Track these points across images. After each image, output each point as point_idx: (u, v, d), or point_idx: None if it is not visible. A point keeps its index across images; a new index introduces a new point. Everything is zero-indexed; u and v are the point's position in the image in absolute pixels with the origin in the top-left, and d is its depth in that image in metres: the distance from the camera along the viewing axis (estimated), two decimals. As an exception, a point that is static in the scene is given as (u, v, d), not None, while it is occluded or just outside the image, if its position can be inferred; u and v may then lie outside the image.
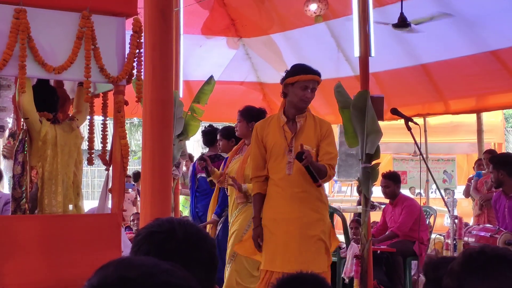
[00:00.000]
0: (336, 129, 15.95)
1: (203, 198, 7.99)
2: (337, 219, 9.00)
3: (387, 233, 8.04)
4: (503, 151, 16.56)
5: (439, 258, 2.81)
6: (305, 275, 2.94)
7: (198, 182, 8.14)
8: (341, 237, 8.67)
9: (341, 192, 17.24)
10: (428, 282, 2.81)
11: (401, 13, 8.85)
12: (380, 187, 8.47)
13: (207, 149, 8.86)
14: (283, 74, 5.27)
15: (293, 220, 5.16)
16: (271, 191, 5.23)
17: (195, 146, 21.89)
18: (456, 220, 7.01)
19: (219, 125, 8.78)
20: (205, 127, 8.38)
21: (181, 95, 9.08)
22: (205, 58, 11.64)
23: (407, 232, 7.81)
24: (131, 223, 10.42)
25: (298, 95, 5.18)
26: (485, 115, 12.54)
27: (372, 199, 12.12)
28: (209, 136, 8.25)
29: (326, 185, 21.63)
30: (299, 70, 5.25)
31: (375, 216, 9.50)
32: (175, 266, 1.34)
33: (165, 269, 1.30)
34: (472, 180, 9.90)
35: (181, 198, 10.32)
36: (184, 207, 11.15)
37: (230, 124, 8.46)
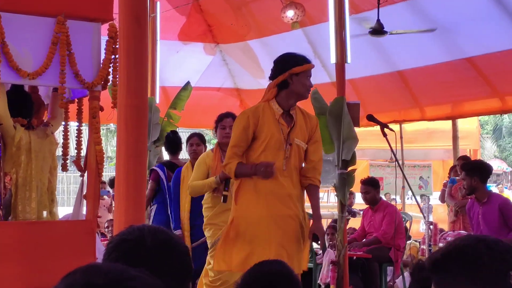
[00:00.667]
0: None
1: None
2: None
3: (371, 238, 8.04)
4: (479, 157, 16.71)
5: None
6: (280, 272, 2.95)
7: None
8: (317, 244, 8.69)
9: (318, 198, 17.28)
10: (414, 282, 2.83)
11: (378, 20, 8.90)
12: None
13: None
14: (268, 71, 5.07)
15: (293, 217, 4.97)
16: (261, 186, 4.92)
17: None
18: (431, 226, 7.05)
19: (189, 132, 8.71)
20: (167, 134, 8.18)
21: (157, 101, 9.05)
22: (182, 64, 11.61)
23: (389, 239, 7.82)
24: (106, 229, 10.36)
25: (305, 84, 5.02)
26: (460, 122, 12.63)
27: (355, 206, 12.20)
28: (174, 143, 8.12)
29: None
30: (302, 59, 5.06)
31: (356, 223, 9.53)
32: (143, 273, 1.33)
33: (132, 275, 1.29)
34: (446, 186, 9.96)
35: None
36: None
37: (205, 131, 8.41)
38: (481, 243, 1.99)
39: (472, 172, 7.02)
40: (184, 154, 10.63)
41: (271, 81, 5.09)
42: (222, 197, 6.19)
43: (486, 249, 1.97)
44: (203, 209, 6.50)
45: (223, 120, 6.54)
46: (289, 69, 4.97)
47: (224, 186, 6.18)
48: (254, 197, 4.95)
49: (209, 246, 6.44)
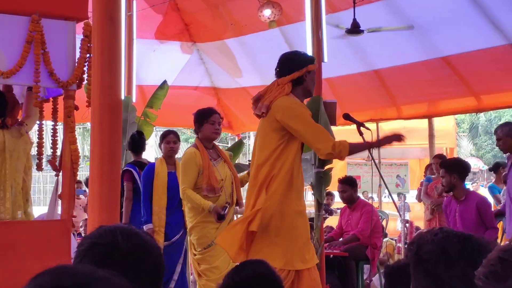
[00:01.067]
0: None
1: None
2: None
3: (349, 236, 8.06)
4: (455, 156, 16.81)
5: (399, 262, 2.86)
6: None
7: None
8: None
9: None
10: (388, 283, 2.84)
11: (354, 19, 8.93)
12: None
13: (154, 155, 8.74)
14: (294, 62, 4.98)
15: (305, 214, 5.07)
16: (298, 179, 4.93)
17: (148, 151, 21.78)
18: (407, 225, 7.10)
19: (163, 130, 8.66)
20: (133, 134, 8.07)
21: (134, 100, 9.02)
22: (158, 63, 11.58)
23: (367, 236, 7.84)
24: (82, 229, 10.31)
25: (315, 82, 5.14)
26: (437, 120, 12.71)
27: (334, 205, 12.22)
28: (139, 143, 7.94)
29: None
30: (313, 58, 5.21)
31: (334, 221, 9.55)
32: (112, 274, 1.32)
33: (100, 277, 1.28)
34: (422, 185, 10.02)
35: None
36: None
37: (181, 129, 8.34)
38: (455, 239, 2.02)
39: (451, 169, 7.07)
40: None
41: (278, 77, 5.04)
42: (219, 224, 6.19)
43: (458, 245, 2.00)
44: (189, 209, 6.39)
45: (212, 116, 6.44)
46: (306, 66, 5.00)
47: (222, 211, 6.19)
48: (289, 190, 4.88)
49: (200, 246, 6.32)
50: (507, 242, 1.34)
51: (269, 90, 5.06)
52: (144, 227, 7.05)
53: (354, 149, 4.86)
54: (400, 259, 2.95)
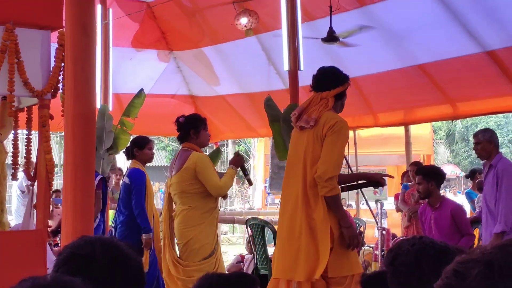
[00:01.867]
0: (268, 142, 16.04)
1: None
2: (268, 232, 9.01)
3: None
4: (432, 162, 16.93)
5: (376, 271, 2.87)
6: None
7: None
8: (272, 250, 8.70)
9: (274, 204, 17.33)
10: None
11: (330, 28, 8.96)
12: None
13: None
14: (336, 78, 5.23)
15: None
16: None
17: (125, 160, 21.61)
18: (384, 232, 7.12)
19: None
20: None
21: (110, 109, 8.98)
22: (135, 71, 11.54)
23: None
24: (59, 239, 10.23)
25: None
26: (414, 128, 12.76)
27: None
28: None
29: (259, 198, 21.68)
30: (347, 75, 5.34)
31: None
32: (84, 284, 1.31)
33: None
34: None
35: (111, 213, 10.16)
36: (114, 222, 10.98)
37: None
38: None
39: (429, 176, 7.11)
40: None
41: (318, 91, 5.14)
42: (247, 181, 6.60)
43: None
44: (194, 214, 6.34)
45: (206, 123, 6.59)
46: (347, 81, 5.24)
47: (243, 172, 6.34)
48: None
49: (202, 256, 6.31)
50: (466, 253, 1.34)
51: (313, 104, 5.16)
52: (144, 235, 7.01)
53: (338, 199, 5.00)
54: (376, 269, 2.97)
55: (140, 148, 7.30)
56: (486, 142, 6.86)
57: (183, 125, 6.51)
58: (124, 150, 7.72)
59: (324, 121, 4.97)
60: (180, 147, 6.68)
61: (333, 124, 4.94)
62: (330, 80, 5.18)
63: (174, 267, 6.40)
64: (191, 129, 6.44)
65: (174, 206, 6.56)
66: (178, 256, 6.45)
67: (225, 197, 6.54)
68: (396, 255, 2.08)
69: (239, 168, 6.54)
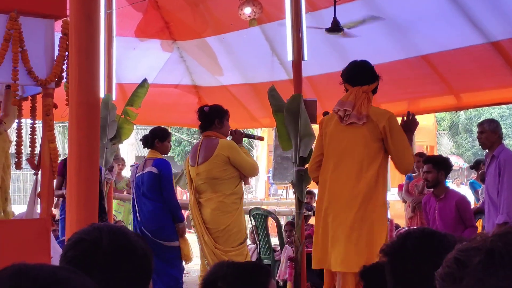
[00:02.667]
0: (271, 132, 16.04)
1: None
2: (272, 221, 9.02)
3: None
4: (435, 153, 16.91)
5: (374, 264, 2.87)
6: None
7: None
8: (276, 240, 8.72)
9: (277, 195, 17.35)
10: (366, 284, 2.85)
11: (334, 18, 8.94)
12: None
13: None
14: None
15: None
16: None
17: (129, 149, 21.68)
18: (388, 222, 7.10)
19: (146, 129, 8.57)
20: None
21: (114, 98, 8.99)
22: (139, 61, 11.54)
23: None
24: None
25: None
26: (417, 119, 12.73)
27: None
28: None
29: (262, 188, 21.71)
30: None
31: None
32: (75, 273, 1.30)
33: (61, 278, 1.26)
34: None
35: (114, 202, 10.18)
36: (117, 212, 11.01)
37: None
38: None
39: (439, 166, 7.13)
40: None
41: (356, 85, 5.26)
42: (259, 139, 6.59)
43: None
44: (232, 201, 6.51)
45: (228, 114, 6.79)
46: (380, 77, 5.41)
47: (250, 138, 7.06)
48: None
49: (238, 241, 6.48)
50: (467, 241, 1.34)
51: (358, 98, 5.23)
52: (179, 224, 7.11)
53: None
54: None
55: (161, 140, 7.39)
56: (491, 132, 6.86)
57: (207, 114, 6.60)
58: (142, 138, 7.73)
59: (376, 117, 5.11)
60: (201, 137, 6.77)
61: (388, 119, 5.19)
62: (368, 74, 5.30)
63: (213, 253, 6.45)
64: (216, 118, 6.57)
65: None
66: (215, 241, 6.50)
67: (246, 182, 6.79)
68: (389, 244, 2.08)
69: (246, 139, 6.77)
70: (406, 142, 5.14)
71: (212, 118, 6.57)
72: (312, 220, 10.80)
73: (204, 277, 2.78)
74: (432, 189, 7.27)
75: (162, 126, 8.13)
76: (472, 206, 8.40)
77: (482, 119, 9.65)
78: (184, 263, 7.34)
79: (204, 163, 6.48)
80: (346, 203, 5.16)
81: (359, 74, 5.31)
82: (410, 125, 5.47)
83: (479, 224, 8.10)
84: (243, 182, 6.68)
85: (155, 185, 7.18)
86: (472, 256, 1.27)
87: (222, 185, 6.41)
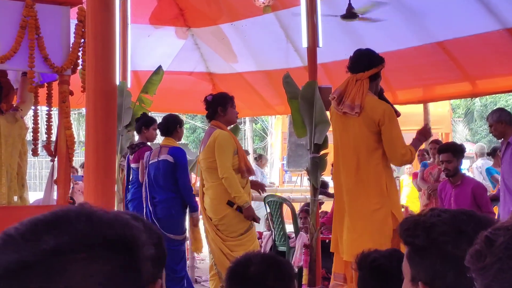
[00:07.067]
0: (285, 120, 16.02)
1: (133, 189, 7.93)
2: (286, 209, 9.03)
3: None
4: (450, 140, 16.82)
5: (371, 251, 2.83)
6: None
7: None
8: (290, 227, 8.73)
9: (291, 182, 17.34)
10: (362, 273, 2.82)
11: (349, 4, 8.91)
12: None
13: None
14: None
15: None
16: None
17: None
18: (402, 209, 7.09)
19: (160, 116, 8.57)
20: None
21: (129, 85, 9.01)
22: (153, 48, 11.54)
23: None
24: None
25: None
26: (432, 106, 12.69)
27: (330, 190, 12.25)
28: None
29: (276, 175, 21.74)
30: (383, 58, 5.44)
31: (329, 206, 9.56)
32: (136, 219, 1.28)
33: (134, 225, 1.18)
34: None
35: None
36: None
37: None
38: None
39: (459, 154, 7.10)
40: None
41: (353, 72, 5.23)
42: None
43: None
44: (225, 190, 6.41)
45: (233, 100, 6.62)
46: (382, 63, 5.35)
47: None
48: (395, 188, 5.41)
49: (238, 232, 6.40)
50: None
51: (349, 86, 5.22)
52: (193, 214, 7.07)
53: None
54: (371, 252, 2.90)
55: (180, 126, 7.33)
56: (496, 123, 6.86)
57: (211, 103, 6.56)
58: (160, 127, 7.63)
59: (370, 109, 5.08)
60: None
61: (382, 112, 5.10)
62: (364, 61, 5.26)
63: (213, 241, 6.45)
64: (219, 106, 6.49)
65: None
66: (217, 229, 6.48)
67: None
68: (427, 229, 1.92)
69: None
70: (398, 134, 5.10)
71: (215, 106, 6.50)
72: (326, 207, 10.83)
73: (235, 261, 2.76)
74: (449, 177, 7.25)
75: (174, 113, 8.06)
76: (489, 193, 8.36)
77: (497, 106, 9.58)
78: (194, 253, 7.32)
79: (202, 152, 6.49)
80: (353, 194, 5.18)
81: (354, 62, 5.30)
82: (424, 134, 5.53)
83: (495, 210, 8.06)
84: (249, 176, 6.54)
85: (169, 174, 7.12)
86: (499, 235, 1.25)
87: (216, 174, 6.36)
